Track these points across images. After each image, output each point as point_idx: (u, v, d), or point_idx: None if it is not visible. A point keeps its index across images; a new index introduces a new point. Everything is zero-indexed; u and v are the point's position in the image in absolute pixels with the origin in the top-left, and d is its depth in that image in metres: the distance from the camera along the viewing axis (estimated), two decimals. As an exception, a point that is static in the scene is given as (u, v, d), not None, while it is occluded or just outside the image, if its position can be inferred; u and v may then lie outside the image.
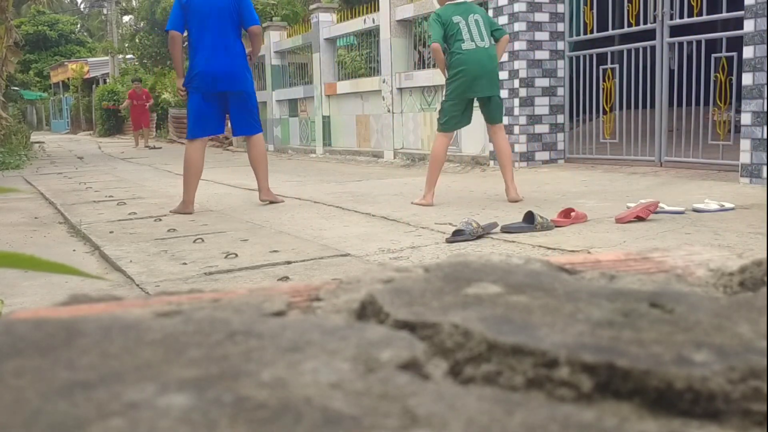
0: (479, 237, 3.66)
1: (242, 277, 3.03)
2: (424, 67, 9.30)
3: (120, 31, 30.73)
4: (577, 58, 7.40)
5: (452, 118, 5.14)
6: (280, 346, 0.39)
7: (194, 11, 5.21)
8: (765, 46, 5.12)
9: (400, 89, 9.51)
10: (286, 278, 2.96)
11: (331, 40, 11.64)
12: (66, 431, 0.30)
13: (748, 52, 5.25)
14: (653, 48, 6.55)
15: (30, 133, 18.96)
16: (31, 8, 31.21)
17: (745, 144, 5.32)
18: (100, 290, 1.65)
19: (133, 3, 26.96)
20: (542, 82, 7.43)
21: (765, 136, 5.16)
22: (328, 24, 11.54)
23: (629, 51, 6.80)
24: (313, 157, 11.57)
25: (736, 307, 0.46)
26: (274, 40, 13.21)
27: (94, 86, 31.14)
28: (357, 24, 10.73)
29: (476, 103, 5.19)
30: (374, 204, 5.20)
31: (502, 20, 7.35)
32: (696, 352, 0.37)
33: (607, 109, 7.14)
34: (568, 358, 0.37)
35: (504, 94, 7.39)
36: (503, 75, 7.44)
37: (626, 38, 6.96)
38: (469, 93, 5.07)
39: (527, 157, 7.44)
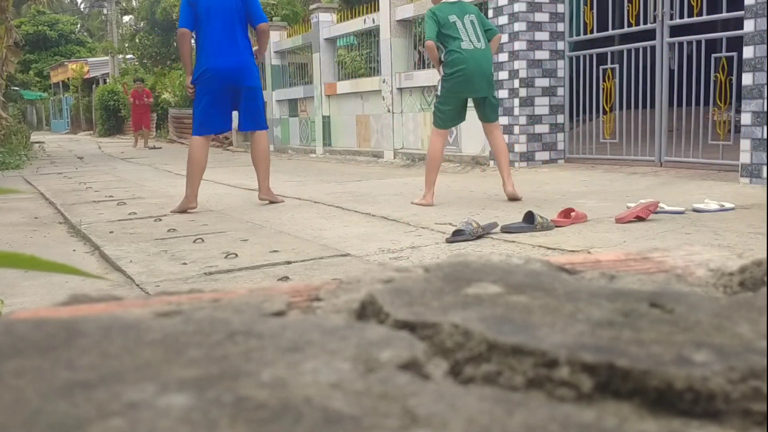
0: (479, 237, 3.66)
1: (242, 277, 3.03)
2: (424, 67, 9.30)
3: (120, 31, 30.78)
4: (577, 58, 7.40)
5: (447, 117, 5.15)
6: (280, 346, 0.39)
7: (202, 9, 5.25)
8: (765, 46, 5.12)
9: (400, 89, 9.52)
10: (286, 278, 2.96)
11: (331, 40, 11.65)
12: (66, 431, 0.30)
13: (748, 52, 5.25)
14: (653, 48, 6.55)
15: (30, 133, 18.97)
16: (31, 8, 31.21)
17: (745, 144, 5.33)
18: (100, 290, 1.65)
19: (133, 3, 26.99)
20: (542, 82, 7.43)
21: (765, 136, 5.16)
22: (328, 24, 11.55)
23: (629, 51, 6.80)
24: (313, 157, 11.57)
25: (736, 307, 0.46)
26: (274, 40, 13.21)
27: (94, 86, 31.15)
28: (357, 24, 10.74)
29: (470, 103, 5.20)
30: (374, 204, 5.20)
31: (502, 20, 7.36)
32: (696, 352, 0.37)
33: (607, 109, 7.14)
34: (568, 358, 0.37)
35: (504, 94, 7.41)
36: (503, 75, 7.46)
37: (626, 38, 6.96)
38: (465, 93, 5.07)
39: (527, 157, 7.44)
